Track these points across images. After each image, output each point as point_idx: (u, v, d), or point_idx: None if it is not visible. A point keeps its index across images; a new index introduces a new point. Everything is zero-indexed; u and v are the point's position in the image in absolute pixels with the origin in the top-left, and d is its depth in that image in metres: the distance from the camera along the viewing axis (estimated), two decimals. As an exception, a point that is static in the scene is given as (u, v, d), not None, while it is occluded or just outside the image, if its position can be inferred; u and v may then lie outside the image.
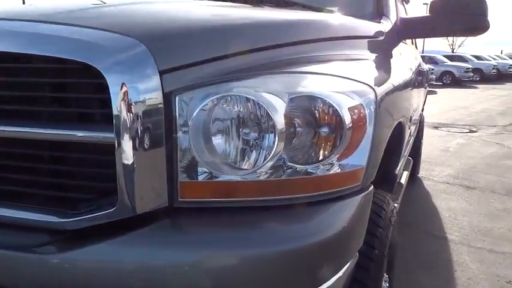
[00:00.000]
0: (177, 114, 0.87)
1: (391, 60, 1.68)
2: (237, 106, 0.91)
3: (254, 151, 0.92)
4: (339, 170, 1.00)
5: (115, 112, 0.82)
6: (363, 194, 1.06)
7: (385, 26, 1.78)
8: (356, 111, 1.00)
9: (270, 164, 0.92)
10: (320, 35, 1.29)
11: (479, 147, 6.09)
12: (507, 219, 3.34)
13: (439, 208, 3.58)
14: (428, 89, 4.66)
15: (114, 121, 0.82)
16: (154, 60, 0.85)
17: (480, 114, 9.67)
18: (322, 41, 1.28)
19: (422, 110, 4.37)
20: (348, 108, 0.97)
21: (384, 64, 1.49)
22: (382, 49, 1.60)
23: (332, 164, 0.99)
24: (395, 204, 2.21)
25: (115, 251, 0.83)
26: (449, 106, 11.03)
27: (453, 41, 47.00)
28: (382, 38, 1.66)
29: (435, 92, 14.73)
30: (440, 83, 19.23)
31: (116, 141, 0.83)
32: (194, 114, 0.88)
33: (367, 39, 1.52)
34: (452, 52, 38.73)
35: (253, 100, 0.90)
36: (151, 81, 0.84)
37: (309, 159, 0.97)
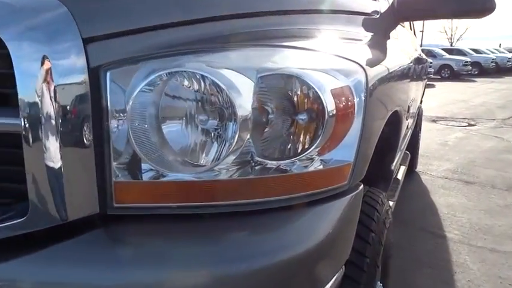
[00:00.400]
0: (108, 96, 0.68)
1: (387, 42, 1.49)
2: (191, 86, 0.72)
3: (212, 143, 0.74)
4: (321, 167, 0.82)
5: (21, 94, 0.63)
6: (351, 195, 0.87)
7: (381, 4, 1.59)
8: (341, 94, 0.81)
9: (231, 158, 0.73)
10: (305, 6, 1.10)
11: (478, 141, 5.93)
12: (509, 216, 3.18)
13: (437, 204, 3.42)
14: (426, 81, 4.48)
15: (20, 106, 0.63)
16: (77, 25, 0.66)
17: (479, 107, 9.50)
18: (307, 13, 1.08)
19: (421, 103, 4.20)
20: (331, 91, 0.78)
21: (378, 45, 1.30)
22: (377, 29, 1.41)
23: (311, 159, 0.80)
24: (391, 203, 2.04)
25: (23, 270, 0.64)
26: (447, 100, 10.86)
27: (451, 35, 46.76)
28: (377, 16, 1.47)
29: (433, 86, 14.55)
30: (439, 77, 19.04)
31: (23, 131, 0.64)
32: (133, 97, 0.69)
33: (361, 16, 1.33)
34: (451, 46, 38.53)
35: (210, 79, 0.71)
36: (72, 52, 0.65)
37: (283, 153, 0.79)
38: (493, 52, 24.54)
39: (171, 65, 0.71)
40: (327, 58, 0.86)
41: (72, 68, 0.65)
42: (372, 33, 1.32)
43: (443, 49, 22.37)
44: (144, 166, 0.72)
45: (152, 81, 0.70)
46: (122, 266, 0.67)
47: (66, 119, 0.65)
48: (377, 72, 1.05)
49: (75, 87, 0.65)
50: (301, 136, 0.79)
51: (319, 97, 0.76)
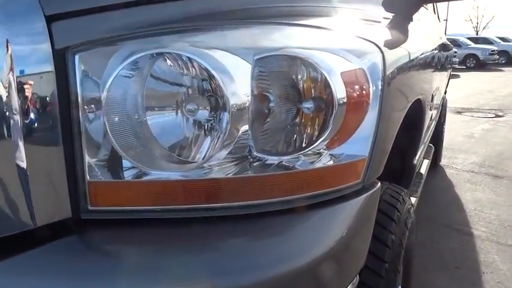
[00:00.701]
0: (78, 84, 0.59)
1: (409, 24, 1.36)
2: (177, 70, 0.63)
3: (204, 136, 0.64)
4: (330, 163, 0.71)
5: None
6: (365, 194, 0.76)
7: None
8: (354, 78, 0.70)
9: (223, 154, 0.63)
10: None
11: (506, 132, 5.66)
12: (541, 213, 2.99)
13: (463, 200, 3.24)
14: (451, 71, 4.27)
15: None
16: (39, 1, 0.57)
17: (507, 98, 9.10)
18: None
19: (445, 93, 4.00)
20: (342, 74, 0.67)
21: (398, 27, 1.17)
22: (398, 10, 1.28)
23: (319, 154, 0.70)
24: (414, 199, 1.90)
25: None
26: (473, 90, 10.46)
27: (477, 23, 45.22)
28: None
29: (458, 76, 14.07)
30: (464, 67, 18.39)
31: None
32: (109, 84, 0.59)
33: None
34: (477, 34, 37.30)
35: (198, 62, 0.61)
36: (34, 34, 0.56)
37: (286, 147, 0.69)
38: (522, 40, 23.61)
39: (154, 46, 0.62)
40: (337, 36, 0.75)
41: (34, 52, 0.56)
42: (392, 14, 1.19)
43: (468, 38, 21.62)
44: (123, 163, 0.63)
45: (131, 65, 0.60)
46: (98, 279, 0.58)
47: (30, 113, 0.56)
48: (396, 55, 0.93)
49: (38, 75, 0.56)
50: (307, 127, 0.68)
51: (327, 81, 0.65)
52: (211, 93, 0.64)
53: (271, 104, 0.67)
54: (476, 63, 18.65)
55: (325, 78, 0.65)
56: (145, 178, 0.63)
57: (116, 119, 0.61)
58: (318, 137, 0.68)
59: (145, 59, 0.61)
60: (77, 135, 0.60)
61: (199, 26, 0.66)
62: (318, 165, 0.69)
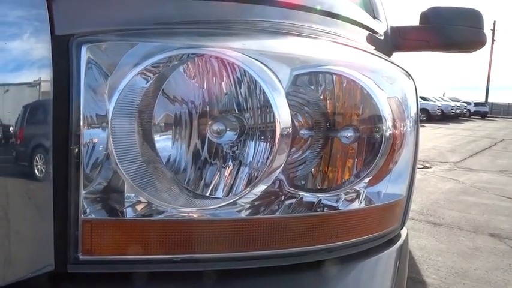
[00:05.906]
0: (81, 86, 0.43)
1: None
2: (205, 78, 0.50)
3: (233, 165, 0.51)
4: (372, 203, 0.60)
5: None
6: (400, 242, 0.66)
7: (382, 27, 1.46)
8: (396, 106, 0.61)
9: (261, 188, 0.50)
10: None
11: (436, 182, 6.01)
12: (481, 259, 3.10)
13: (410, 247, 3.28)
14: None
15: None
16: None
17: (431, 151, 9.83)
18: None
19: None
20: (389, 100, 0.58)
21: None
22: (385, 51, 1.26)
23: (357, 193, 0.59)
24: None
25: None
26: (401, 142, 11.17)
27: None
28: (382, 38, 1.33)
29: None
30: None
31: None
32: (122, 89, 0.44)
33: (371, 33, 1.17)
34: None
35: (244, 70, 0.49)
36: (28, 16, 0.40)
37: (322, 182, 0.57)
38: (438, 100, 26.21)
39: (185, 45, 0.48)
40: (377, 61, 0.66)
41: (25, 38, 0.40)
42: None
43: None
44: (129, 197, 0.46)
45: (154, 66, 0.46)
46: None
47: (9, 135, 0.40)
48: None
49: (29, 74, 0.40)
50: (349, 161, 0.58)
51: (377, 108, 0.56)
52: (244, 107, 0.51)
53: (303, 132, 0.56)
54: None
55: (375, 104, 0.56)
56: (158, 217, 0.47)
57: (124, 138, 0.46)
58: (362, 171, 0.57)
59: (173, 59, 0.47)
60: (72, 156, 0.43)
61: (236, 30, 0.54)
62: (356, 206, 0.58)
